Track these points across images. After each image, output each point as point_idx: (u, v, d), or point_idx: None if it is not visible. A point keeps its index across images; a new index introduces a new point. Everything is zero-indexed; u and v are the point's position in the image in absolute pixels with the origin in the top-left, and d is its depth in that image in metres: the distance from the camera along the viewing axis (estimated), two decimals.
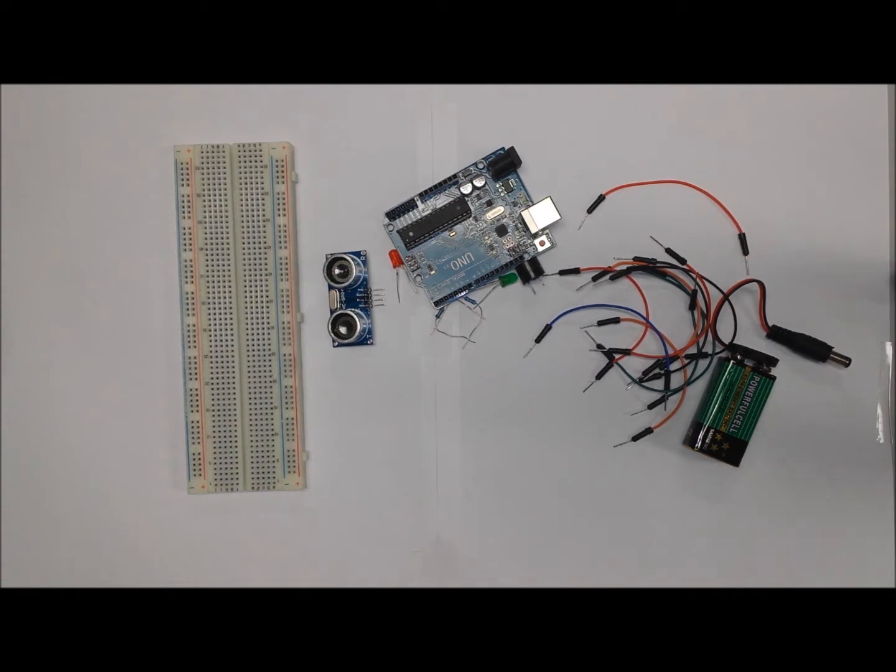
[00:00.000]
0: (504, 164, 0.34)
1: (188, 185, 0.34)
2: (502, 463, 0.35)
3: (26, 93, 0.36)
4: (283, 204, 0.35)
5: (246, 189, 0.35)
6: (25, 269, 0.36)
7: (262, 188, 0.34)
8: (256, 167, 0.34)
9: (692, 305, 0.34)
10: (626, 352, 0.34)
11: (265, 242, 0.35)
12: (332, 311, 0.35)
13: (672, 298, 0.34)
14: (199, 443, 0.34)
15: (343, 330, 0.35)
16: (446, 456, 0.35)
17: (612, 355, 0.34)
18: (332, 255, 0.35)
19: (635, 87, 0.35)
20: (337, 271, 0.35)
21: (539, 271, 0.35)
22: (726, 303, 0.34)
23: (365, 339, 0.35)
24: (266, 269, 0.35)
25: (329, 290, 0.35)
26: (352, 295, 0.35)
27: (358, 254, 0.35)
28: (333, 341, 0.35)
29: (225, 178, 0.35)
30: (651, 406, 0.34)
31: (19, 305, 0.36)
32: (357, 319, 0.34)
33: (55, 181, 0.36)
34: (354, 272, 0.34)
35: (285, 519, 0.35)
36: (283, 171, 0.35)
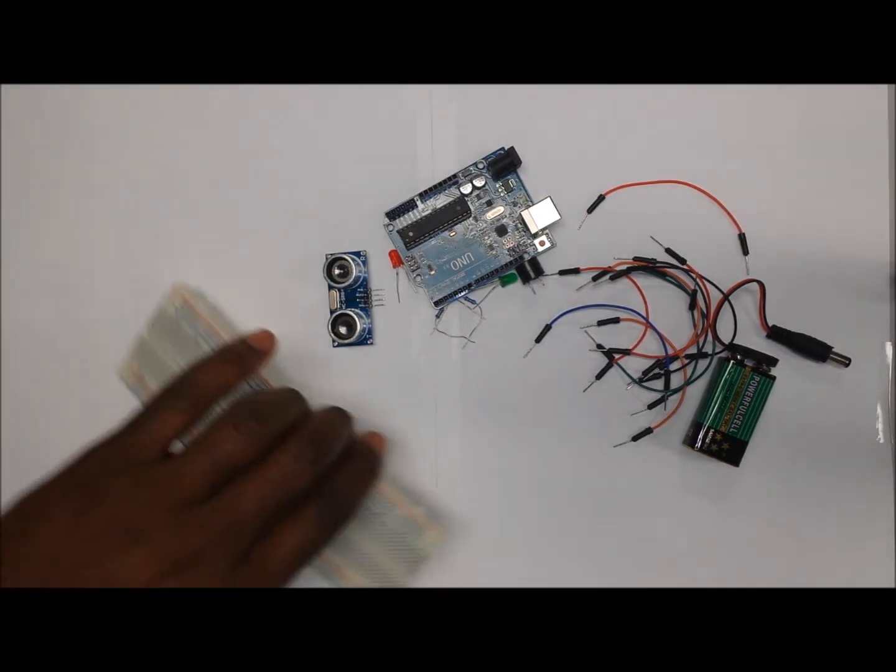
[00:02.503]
0: (504, 164, 0.34)
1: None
2: (502, 462, 0.35)
3: (26, 93, 0.37)
4: None
5: None
6: (25, 268, 0.36)
7: None
8: None
9: (692, 305, 0.34)
10: (626, 352, 0.34)
11: None
12: (332, 312, 0.35)
13: (672, 298, 0.34)
14: None
15: (343, 330, 0.35)
16: (446, 455, 0.35)
17: (612, 355, 0.34)
18: (332, 255, 0.35)
19: (635, 87, 0.35)
20: (337, 271, 0.35)
21: (539, 271, 0.35)
22: (726, 303, 0.34)
23: (365, 339, 0.35)
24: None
25: (329, 290, 0.35)
26: (352, 295, 0.35)
27: (358, 254, 0.35)
28: (333, 341, 0.35)
29: None
30: (651, 406, 0.34)
31: (19, 305, 0.36)
32: (357, 319, 0.34)
33: (55, 181, 0.36)
34: (354, 272, 0.34)
35: None
36: None
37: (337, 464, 0.28)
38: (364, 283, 0.35)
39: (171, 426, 0.26)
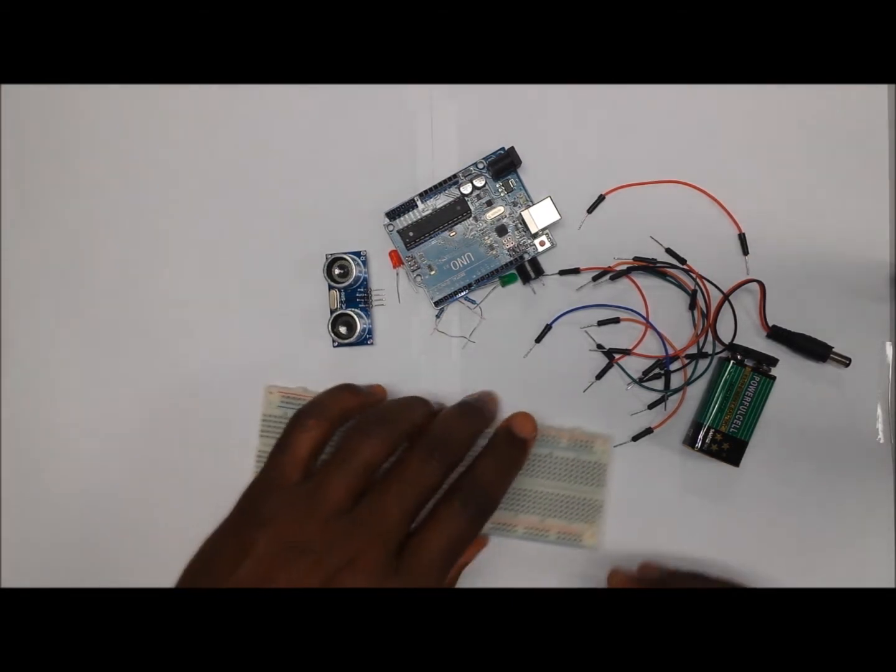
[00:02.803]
0: (504, 164, 0.34)
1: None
2: None
3: (26, 93, 0.37)
4: None
5: None
6: (25, 268, 0.36)
7: None
8: None
9: (692, 305, 0.34)
10: (626, 352, 0.34)
11: None
12: (332, 311, 0.35)
13: (672, 298, 0.34)
14: None
15: (343, 330, 0.35)
16: None
17: (612, 355, 0.34)
18: (332, 255, 0.35)
19: (635, 87, 0.35)
20: (337, 271, 0.35)
21: (539, 271, 0.35)
22: (726, 303, 0.34)
23: (365, 339, 0.35)
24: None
25: (329, 289, 0.35)
26: (352, 295, 0.35)
27: (358, 254, 0.35)
28: (333, 341, 0.35)
29: None
30: (651, 406, 0.34)
31: (19, 305, 0.36)
32: (357, 319, 0.34)
33: (55, 181, 0.36)
34: (354, 272, 0.34)
35: None
36: None
37: (480, 454, 0.29)
38: (364, 283, 0.35)
39: (307, 445, 0.29)
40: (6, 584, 0.35)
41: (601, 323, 0.34)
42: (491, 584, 0.34)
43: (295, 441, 0.29)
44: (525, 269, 0.35)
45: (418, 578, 0.26)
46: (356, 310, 0.35)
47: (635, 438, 0.34)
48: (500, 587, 0.34)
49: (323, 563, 0.25)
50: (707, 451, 0.32)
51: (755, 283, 0.33)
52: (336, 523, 0.26)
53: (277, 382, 0.35)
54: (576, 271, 0.34)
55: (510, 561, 0.35)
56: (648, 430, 0.34)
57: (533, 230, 0.34)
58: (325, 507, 0.27)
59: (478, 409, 0.31)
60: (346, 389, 0.32)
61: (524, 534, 0.34)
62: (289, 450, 0.28)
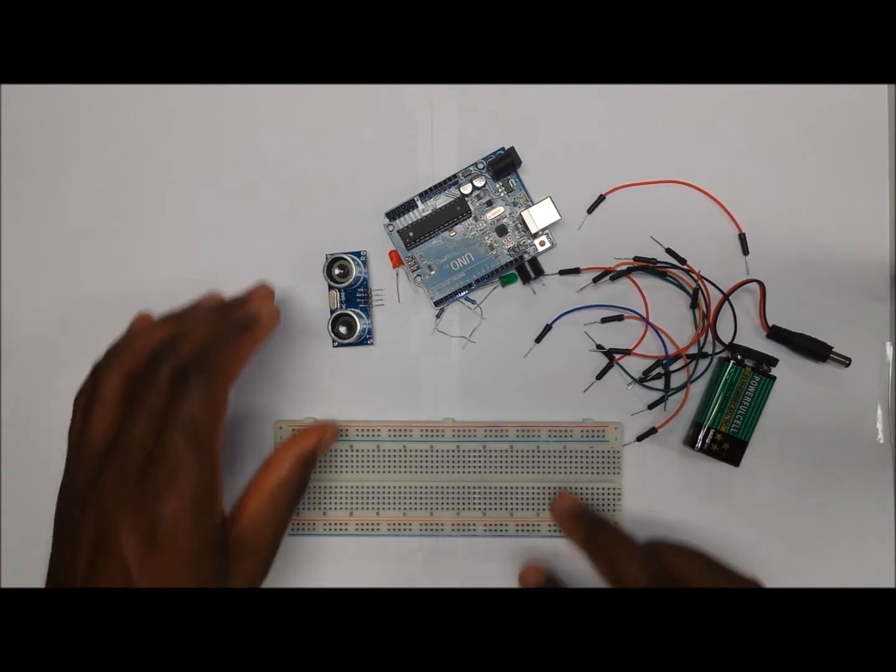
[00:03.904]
0: (504, 164, 0.34)
1: None
2: None
3: (26, 93, 0.37)
4: None
5: None
6: (25, 268, 0.36)
7: None
8: None
9: (693, 304, 0.34)
10: (627, 352, 0.34)
11: None
12: (332, 311, 0.35)
13: (672, 298, 0.34)
14: None
15: (343, 330, 0.35)
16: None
17: (612, 355, 0.34)
18: (332, 255, 0.35)
19: (635, 87, 0.35)
20: (337, 271, 0.35)
21: (539, 271, 0.35)
22: (726, 303, 0.34)
23: (365, 339, 0.35)
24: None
25: (329, 290, 0.35)
26: (352, 295, 0.35)
27: (358, 254, 0.35)
28: (333, 341, 0.35)
29: None
30: (651, 406, 0.34)
31: (19, 305, 0.36)
32: (357, 319, 0.34)
33: (55, 181, 0.36)
34: (354, 272, 0.34)
35: None
36: None
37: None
38: (364, 283, 0.35)
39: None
40: (6, 584, 0.35)
41: (605, 320, 0.34)
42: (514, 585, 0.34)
43: (73, 417, 0.28)
44: (525, 269, 0.35)
45: (164, 467, 0.25)
46: (356, 310, 0.35)
47: (640, 438, 0.34)
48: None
49: (85, 501, 0.25)
50: (707, 451, 0.32)
51: (755, 283, 0.33)
52: (91, 465, 0.26)
53: (276, 385, 0.35)
54: (576, 271, 0.34)
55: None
56: (653, 430, 0.34)
57: (533, 230, 0.34)
58: (83, 456, 0.26)
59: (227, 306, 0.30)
60: (109, 356, 0.30)
61: (548, 532, 0.34)
62: (70, 428, 0.28)
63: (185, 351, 0.27)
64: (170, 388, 0.26)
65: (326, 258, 0.35)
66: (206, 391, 0.26)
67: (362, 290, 0.35)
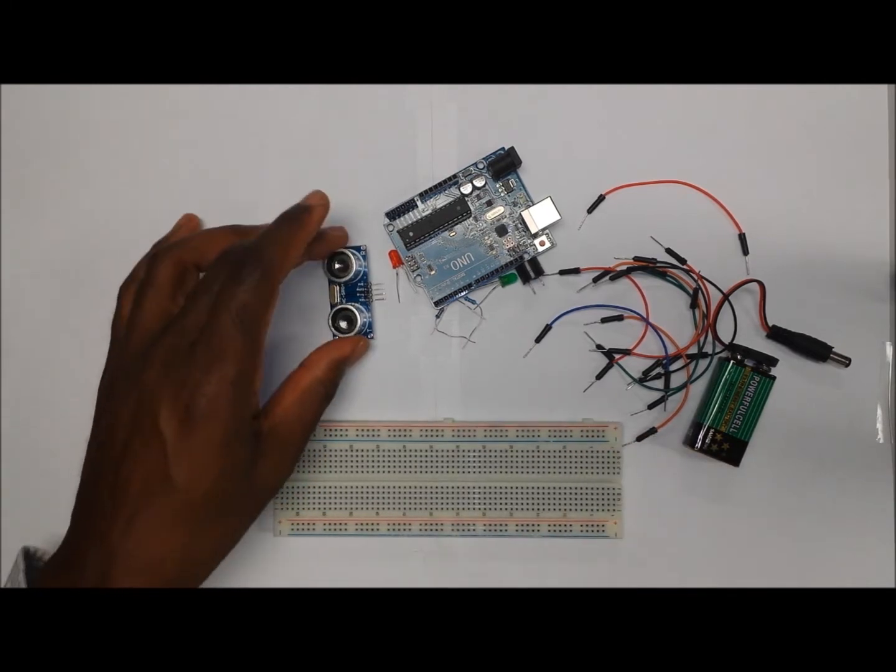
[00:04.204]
0: (504, 164, 0.34)
1: None
2: None
3: (26, 93, 0.37)
4: None
5: None
6: (25, 269, 0.36)
7: None
8: None
9: (693, 304, 0.34)
10: (626, 352, 0.34)
11: None
12: (332, 306, 0.35)
13: (672, 298, 0.34)
14: None
15: (343, 324, 0.35)
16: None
17: (612, 355, 0.34)
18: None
19: (635, 87, 0.35)
20: (337, 266, 0.35)
21: (539, 271, 0.35)
22: (726, 303, 0.34)
23: (365, 333, 0.35)
24: None
25: (329, 284, 0.35)
26: (352, 289, 0.35)
27: (358, 248, 0.35)
28: (334, 335, 0.35)
29: None
30: (651, 406, 0.34)
31: (19, 305, 0.36)
32: (357, 313, 0.34)
33: (55, 181, 0.36)
34: (354, 266, 0.34)
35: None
36: None
37: None
38: (364, 278, 0.35)
39: (125, 309, 0.31)
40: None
41: (605, 320, 0.34)
42: (519, 585, 0.34)
43: (119, 308, 0.30)
44: (525, 269, 0.35)
45: (211, 347, 0.26)
46: (356, 304, 0.35)
47: (640, 438, 0.34)
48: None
49: (132, 378, 0.27)
50: (707, 451, 0.32)
51: (755, 283, 0.33)
52: (143, 344, 0.28)
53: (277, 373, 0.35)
54: (576, 271, 0.34)
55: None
56: (653, 430, 0.34)
57: (533, 230, 0.34)
58: (134, 336, 0.28)
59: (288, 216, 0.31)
60: (156, 247, 0.33)
61: (549, 532, 0.34)
62: (116, 316, 0.30)
63: (238, 252, 0.28)
64: (227, 276, 0.27)
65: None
66: (259, 279, 0.27)
67: (362, 284, 0.35)
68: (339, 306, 0.35)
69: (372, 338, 0.35)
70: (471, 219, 0.35)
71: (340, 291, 0.35)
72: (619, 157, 0.35)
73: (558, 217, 0.33)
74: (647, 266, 0.34)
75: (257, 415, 0.28)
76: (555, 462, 0.34)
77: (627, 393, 0.34)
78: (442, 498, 0.34)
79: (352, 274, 0.34)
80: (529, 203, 0.35)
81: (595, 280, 0.34)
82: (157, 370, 0.26)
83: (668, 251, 0.34)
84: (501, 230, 0.35)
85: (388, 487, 0.35)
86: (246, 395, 0.27)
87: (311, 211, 0.30)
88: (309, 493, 0.35)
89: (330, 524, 0.35)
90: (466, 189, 0.34)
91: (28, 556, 0.30)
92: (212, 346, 0.26)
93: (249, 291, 0.27)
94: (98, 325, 0.36)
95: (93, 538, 0.26)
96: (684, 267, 0.34)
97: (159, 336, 0.27)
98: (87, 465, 0.28)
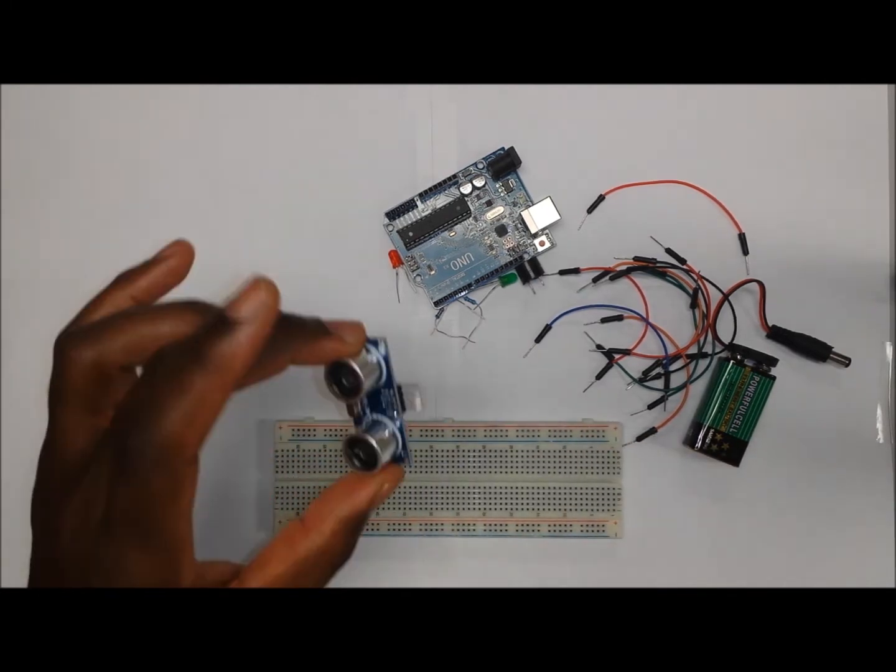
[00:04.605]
0: (504, 164, 0.34)
1: None
2: None
3: (26, 93, 0.37)
4: None
5: None
6: (25, 269, 0.36)
7: None
8: None
9: (693, 304, 0.34)
10: (626, 352, 0.34)
11: None
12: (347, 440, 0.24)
13: (672, 298, 0.34)
14: None
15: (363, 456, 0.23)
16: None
17: (612, 355, 0.34)
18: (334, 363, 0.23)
19: (635, 87, 0.35)
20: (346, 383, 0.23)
21: (539, 271, 0.35)
22: (726, 303, 0.34)
23: (399, 458, 0.24)
24: None
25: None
26: (375, 399, 0.24)
27: (376, 342, 0.23)
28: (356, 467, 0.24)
29: None
30: (651, 406, 0.34)
31: (19, 306, 0.36)
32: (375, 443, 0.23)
33: (55, 181, 0.36)
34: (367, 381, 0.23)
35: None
36: None
37: None
38: (389, 381, 0.24)
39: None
40: (6, 584, 0.35)
41: (605, 320, 0.34)
42: (519, 585, 0.34)
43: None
44: (525, 269, 0.35)
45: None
46: (381, 415, 0.24)
47: (640, 438, 0.34)
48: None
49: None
50: (707, 451, 0.32)
51: (755, 283, 0.33)
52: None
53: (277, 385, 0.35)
54: (576, 271, 0.34)
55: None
56: (652, 430, 0.34)
57: (533, 230, 0.34)
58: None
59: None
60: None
61: (549, 532, 0.34)
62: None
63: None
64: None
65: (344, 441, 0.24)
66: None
67: (387, 388, 0.24)
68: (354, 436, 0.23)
69: (407, 466, 0.24)
70: (471, 219, 0.35)
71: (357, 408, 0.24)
72: (619, 157, 0.35)
73: (558, 217, 0.33)
74: (647, 266, 0.34)
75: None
76: (555, 462, 0.34)
77: (627, 393, 0.34)
78: (442, 498, 0.34)
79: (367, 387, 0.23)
80: (529, 203, 0.35)
81: (595, 280, 0.34)
82: None
83: (668, 251, 0.34)
84: (501, 230, 0.35)
85: None
86: None
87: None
88: (309, 493, 0.35)
89: None
90: (466, 189, 0.34)
91: None
92: None
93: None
94: None
95: None
96: (684, 267, 0.34)
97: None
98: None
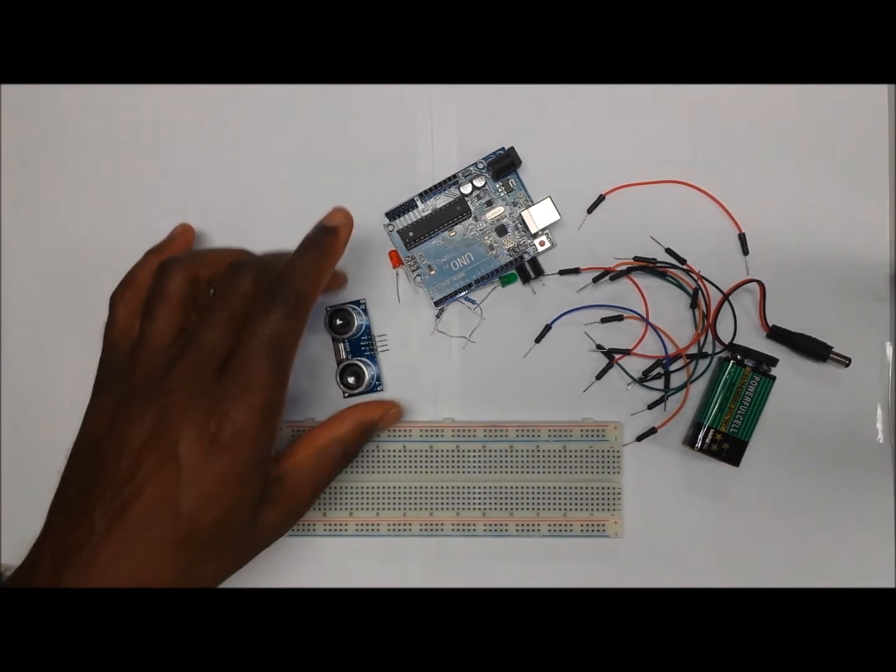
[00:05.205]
0: (504, 164, 0.34)
1: None
2: None
3: (26, 93, 0.37)
4: None
5: None
6: (25, 269, 0.36)
7: None
8: None
9: (693, 304, 0.34)
10: (626, 352, 0.34)
11: None
12: (338, 362, 0.35)
13: (672, 298, 0.34)
14: None
15: (351, 380, 0.34)
16: None
17: (612, 355, 0.34)
18: (331, 307, 0.35)
19: (635, 87, 0.35)
20: (338, 322, 0.34)
21: (539, 271, 0.35)
22: (726, 303, 0.34)
23: (374, 387, 0.35)
24: None
25: (333, 342, 0.35)
26: (356, 344, 0.35)
27: (357, 303, 0.35)
28: (343, 392, 0.35)
29: None
30: (651, 406, 0.34)
31: (19, 305, 0.36)
32: (364, 368, 0.34)
33: (55, 181, 0.36)
34: (356, 321, 0.34)
35: None
36: None
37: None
38: (367, 331, 0.35)
39: (125, 315, 0.30)
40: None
41: (605, 320, 0.34)
42: (519, 585, 0.34)
43: (115, 315, 0.29)
44: (525, 269, 0.35)
45: (241, 376, 0.25)
46: (362, 359, 0.35)
47: (640, 438, 0.34)
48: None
49: (148, 396, 0.26)
50: (707, 451, 0.32)
51: (755, 283, 0.33)
52: (155, 358, 0.27)
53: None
54: (576, 271, 0.34)
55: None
56: (652, 430, 0.34)
57: (533, 230, 0.34)
58: (146, 351, 0.27)
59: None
60: (150, 254, 0.32)
61: (549, 531, 0.34)
62: (111, 326, 0.29)
63: (267, 265, 0.28)
64: (253, 298, 0.27)
65: (326, 311, 0.34)
66: (291, 309, 0.26)
67: (366, 338, 0.35)
68: (346, 362, 0.34)
69: (381, 390, 0.35)
70: (471, 219, 0.35)
71: (345, 347, 0.35)
72: (619, 157, 0.35)
73: (558, 217, 0.33)
74: (647, 266, 0.34)
75: (274, 457, 0.27)
76: (555, 462, 0.34)
77: (627, 393, 0.35)
78: (442, 498, 0.34)
79: (354, 329, 0.34)
80: (529, 203, 0.35)
81: (595, 280, 0.34)
82: (181, 394, 0.25)
83: (668, 251, 0.34)
84: (501, 230, 0.35)
85: (388, 487, 0.35)
86: (271, 429, 0.26)
87: (336, 233, 0.29)
88: None
89: (330, 524, 0.35)
90: (466, 189, 0.34)
91: None
92: (243, 376, 0.25)
93: (281, 322, 0.26)
94: (99, 325, 0.36)
95: (65, 559, 0.24)
96: (684, 267, 0.34)
97: (177, 355, 0.26)
98: (72, 477, 0.26)
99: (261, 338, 0.26)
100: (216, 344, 0.26)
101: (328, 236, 0.29)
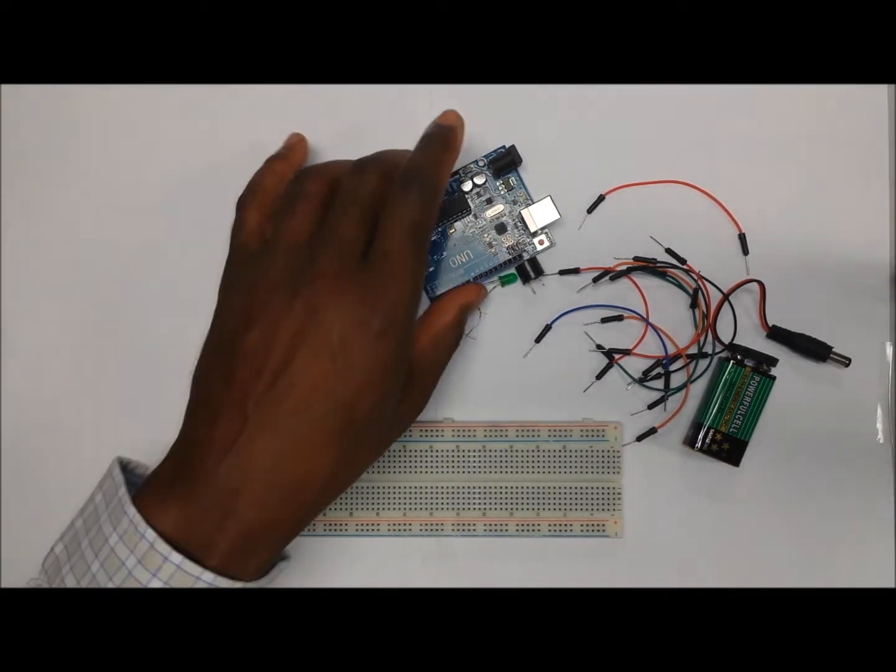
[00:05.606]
0: (505, 162, 0.34)
1: None
2: None
3: (26, 93, 0.37)
4: None
5: None
6: (25, 269, 0.36)
7: None
8: None
9: (693, 304, 0.34)
10: (626, 352, 0.34)
11: None
12: None
13: (672, 298, 0.34)
14: None
15: None
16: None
17: (612, 355, 0.34)
18: None
19: (635, 87, 0.35)
20: None
21: (539, 271, 0.35)
22: (726, 303, 0.34)
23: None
24: None
25: None
26: None
27: None
28: None
29: None
30: (651, 406, 0.34)
31: (19, 305, 0.36)
32: None
33: (55, 181, 0.36)
34: None
35: None
36: None
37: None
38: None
39: (255, 217, 0.30)
40: (6, 585, 0.35)
41: (605, 320, 0.34)
42: (519, 585, 0.34)
43: (244, 218, 0.30)
44: (525, 268, 0.35)
45: (387, 264, 0.26)
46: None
47: (640, 438, 0.34)
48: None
49: (293, 288, 0.26)
50: (707, 451, 0.32)
51: (755, 283, 0.33)
52: (296, 253, 0.27)
53: None
54: (576, 271, 0.34)
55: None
56: (653, 430, 0.34)
57: (532, 229, 0.34)
58: (284, 245, 0.27)
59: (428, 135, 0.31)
60: (273, 161, 0.32)
61: (549, 531, 0.34)
62: (241, 228, 0.30)
63: (390, 161, 0.29)
64: (383, 192, 0.27)
65: None
66: (428, 198, 0.27)
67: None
68: None
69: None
70: (470, 216, 0.35)
71: None
72: (619, 157, 0.35)
73: (558, 216, 0.33)
74: (647, 266, 0.34)
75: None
76: (555, 462, 0.34)
77: (627, 393, 0.34)
78: (442, 498, 0.34)
79: None
80: (529, 202, 0.35)
81: (595, 280, 0.34)
82: (330, 282, 0.25)
83: (668, 251, 0.34)
84: (501, 228, 0.35)
85: (388, 487, 0.35)
86: (414, 317, 0.27)
87: (454, 129, 0.30)
88: None
89: (330, 524, 0.35)
90: (466, 186, 0.34)
91: (124, 468, 0.28)
92: (388, 263, 0.26)
93: (419, 208, 0.27)
94: (99, 325, 0.36)
95: (219, 450, 0.25)
96: (684, 267, 0.34)
97: (318, 247, 0.26)
98: (211, 374, 0.27)
99: (403, 225, 0.26)
100: (355, 236, 0.26)
101: (447, 132, 0.30)
